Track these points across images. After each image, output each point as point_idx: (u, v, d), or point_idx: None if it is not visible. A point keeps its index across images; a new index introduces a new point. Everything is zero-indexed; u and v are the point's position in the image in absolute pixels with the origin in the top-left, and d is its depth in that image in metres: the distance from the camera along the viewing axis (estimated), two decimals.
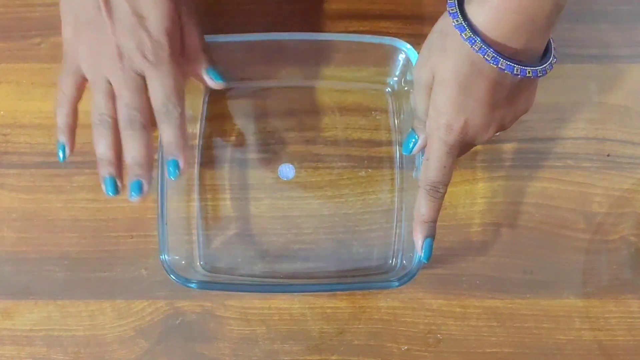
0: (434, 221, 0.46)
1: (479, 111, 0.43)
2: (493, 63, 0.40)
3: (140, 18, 0.43)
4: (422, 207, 0.46)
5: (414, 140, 0.48)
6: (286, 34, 0.52)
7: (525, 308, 0.53)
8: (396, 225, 0.54)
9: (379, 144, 0.55)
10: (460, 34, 0.40)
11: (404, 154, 0.50)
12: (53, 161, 0.54)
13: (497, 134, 0.46)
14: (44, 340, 0.53)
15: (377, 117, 0.55)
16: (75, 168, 0.54)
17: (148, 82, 0.44)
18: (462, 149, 0.46)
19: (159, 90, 0.44)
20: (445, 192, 0.45)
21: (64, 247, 0.53)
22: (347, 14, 0.57)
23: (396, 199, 0.54)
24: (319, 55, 0.54)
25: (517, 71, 0.41)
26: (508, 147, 0.55)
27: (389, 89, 0.55)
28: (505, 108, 0.44)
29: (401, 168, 0.54)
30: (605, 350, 0.53)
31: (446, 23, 0.42)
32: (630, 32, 0.57)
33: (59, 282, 0.53)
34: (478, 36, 0.40)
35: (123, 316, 0.53)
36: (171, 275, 0.48)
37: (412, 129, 0.49)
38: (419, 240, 0.46)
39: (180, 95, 0.45)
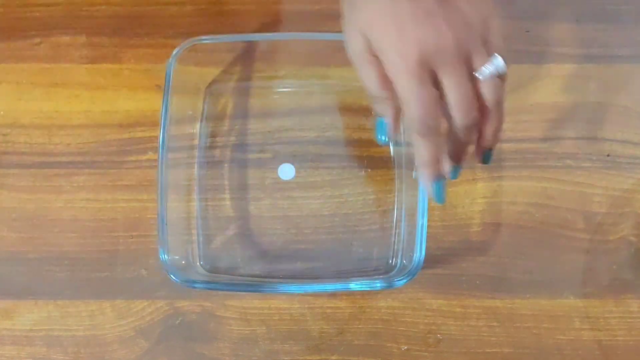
0: (437, 161, 0.42)
1: (422, 17, 0.39)
2: None
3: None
4: (420, 150, 0.41)
5: (383, 126, 0.44)
6: (286, 34, 0.52)
7: (525, 308, 0.53)
8: (396, 225, 0.54)
9: (378, 144, 0.55)
10: None
11: (381, 142, 0.47)
12: (53, 161, 0.54)
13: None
14: (44, 340, 0.53)
15: (377, 117, 0.55)
16: (75, 168, 0.54)
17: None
18: (441, 66, 0.39)
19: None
20: (436, 126, 0.40)
21: (64, 247, 0.53)
22: None
23: (396, 199, 0.54)
24: (318, 55, 0.54)
25: None
26: (508, 147, 0.55)
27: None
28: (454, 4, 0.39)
29: (401, 168, 0.54)
30: (605, 350, 0.53)
31: None
32: (630, 32, 0.57)
33: (59, 282, 0.53)
34: None
35: (123, 316, 0.53)
36: (171, 275, 0.48)
37: (377, 118, 0.45)
38: (428, 186, 0.43)
39: None
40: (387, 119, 0.43)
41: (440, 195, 0.43)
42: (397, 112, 0.43)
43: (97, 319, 0.53)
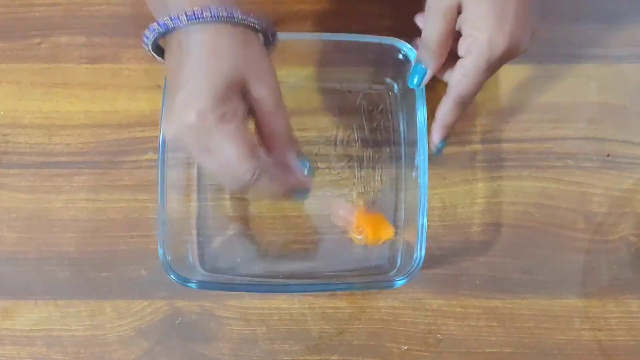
0: (452, 126, 0.49)
1: (520, 18, 0.42)
2: None
3: None
4: (448, 115, 0.48)
5: (421, 72, 0.48)
6: (285, 34, 0.51)
7: (525, 308, 0.53)
8: (396, 225, 0.54)
9: (379, 144, 0.55)
10: None
11: (412, 87, 0.49)
12: (53, 161, 0.54)
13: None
14: (44, 340, 0.53)
15: (377, 117, 0.55)
16: (75, 168, 0.54)
17: None
18: (502, 62, 0.45)
19: None
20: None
21: (64, 247, 0.53)
22: (347, 13, 0.57)
23: (395, 199, 0.54)
24: (318, 56, 0.54)
25: None
26: (508, 147, 0.55)
27: (389, 89, 0.55)
28: (532, 7, 0.44)
29: (401, 168, 0.54)
30: (604, 350, 0.53)
31: None
32: (630, 32, 0.57)
33: (59, 282, 0.53)
34: None
35: (123, 316, 0.53)
36: (171, 275, 0.48)
37: (417, 61, 0.48)
38: (436, 140, 0.49)
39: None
40: (429, 70, 0.48)
41: (441, 148, 0.50)
42: (439, 68, 0.47)
43: (97, 319, 0.53)
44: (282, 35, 0.52)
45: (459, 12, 0.44)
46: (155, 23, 0.40)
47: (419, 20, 0.50)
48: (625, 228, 0.54)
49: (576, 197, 0.54)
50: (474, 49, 0.43)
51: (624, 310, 0.53)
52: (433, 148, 0.50)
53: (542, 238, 0.54)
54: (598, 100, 0.56)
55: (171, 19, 0.39)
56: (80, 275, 0.53)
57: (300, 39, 0.52)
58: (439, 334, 0.53)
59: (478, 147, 0.55)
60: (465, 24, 0.44)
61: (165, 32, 0.40)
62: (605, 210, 0.54)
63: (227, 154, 0.39)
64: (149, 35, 0.40)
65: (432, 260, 0.53)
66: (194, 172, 0.54)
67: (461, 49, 0.45)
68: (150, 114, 0.55)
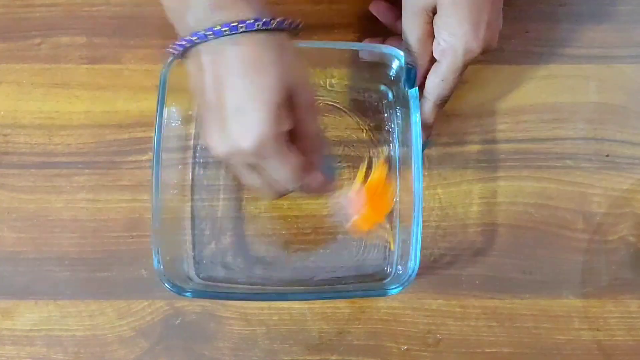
0: (433, 126, 0.51)
1: (492, 22, 0.44)
2: None
3: None
4: (430, 117, 0.49)
5: (413, 73, 0.48)
6: None
7: (525, 308, 0.53)
8: (395, 226, 0.54)
9: (378, 144, 0.55)
10: None
11: (407, 89, 0.49)
12: (53, 161, 0.55)
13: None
14: (44, 340, 0.53)
15: (376, 118, 0.55)
16: (75, 168, 0.54)
17: None
18: (473, 63, 0.46)
19: None
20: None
21: (64, 247, 0.54)
22: (347, 13, 0.57)
23: (395, 200, 0.54)
24: (318, 56, 0.54)
25: None
26: (507, 147, 0.55)
27: (383, 95, 0.55)
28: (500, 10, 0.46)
29: (398, 169, 0.54)
30: (604, 350, 0.53)
31: None
32: (630, 32, 0.57)
33: (59, 282, 0.53)
34: None
35: (123, 316, 0.53)
36: (166, 285, 0.47)
37: (407, 64, 0.48)
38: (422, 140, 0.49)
39: None
40: (418, 70, 0.48)
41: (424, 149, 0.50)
42: (426, 66, 0.48)
43: (97, 319, 0.53)
44: None
45: (434, 13, 0.45)
46: (191, 35, 0.38)
47: (373, 8, 0.52)
48: (624, 228, 0.54)
49: (575, 198, 0.54)
50: (450, 54, 0.45)
51: (623, 310, 0.53)
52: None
53: (541, 238, 0.54)
54: (598, 101, 0.56)
55: (205, 31, 0.37)
56: (80, 275, 0.53)
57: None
58: (439, 333, 0.53)
59: (477, 147, 0.55)
60: (440, 28, 0.44)
61: (196, 44, 0.38)
62: (605, 210, 0.54)
63: (278, 176, 0.40)
64: (178, 49, 0.39)
65: (432, 260, 0.53)
66: (189, 173, 0.54)
67: (436, 51, 0.46)
68: (150, 114, 0.55)
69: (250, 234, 0.54)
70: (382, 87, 0.55)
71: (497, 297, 0.53)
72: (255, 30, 0.38)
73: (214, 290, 0.52)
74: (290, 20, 0.40)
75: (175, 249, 0.52)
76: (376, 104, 0.55)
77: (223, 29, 0.37)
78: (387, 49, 0.50)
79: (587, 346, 0.53)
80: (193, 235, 0.54)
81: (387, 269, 0.53)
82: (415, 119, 0.48)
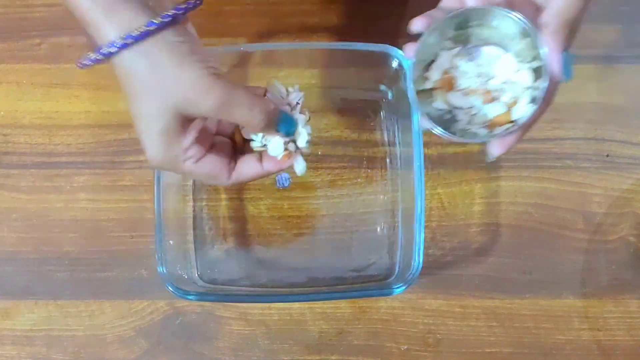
0: None
1: None
2: None
3: None
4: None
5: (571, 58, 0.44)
6: (282, 44, 0.52)
7: (525, 308, 0.53)
8: (394, 227, 0.54)
9: (379, 144, 0.55)
10: None
11: (567, 80, 0.43)
12: (53, 161, 0.55)
13: None
14: (44, 340, 0.53)
15: (376, 118, 0.55)
16: (75, 168, 0.54)
17: None
18: None
19: None
20: None
21: (64, 247, 0.54)
22: (347, 13, 0.57)
23: (395, 200, 0.54)
24: (318, 56, 0.54)
25: None
26: None
27: (386, 93, 0.55)
28: None
29: (399, 169, 0.54)
30: (604, 350, 0.53)
31: None
32: (630, 33, 0.57)
33: (59, 282, 0.53)
34: None
35: (123, 316, 0.53)
36: (169, 287, 0.48)
37: (566, 51, 0.44)
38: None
39: None
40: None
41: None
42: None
43: (97, 319, 0.53)
44: (280, 46, 0.52)
45: None
46: (96, 51, 0.37)
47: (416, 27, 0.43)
48: (624, 228, 0.54)
49: (575, 198, 0.54)
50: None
51: (623, 310, 0.53)
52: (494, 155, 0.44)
53: (541, 238, 0.54)
54: (598, 101, 0.56)
55: (107, 47, 0.36)
56: (80, 275, 0.53)
57: (297, 48, 0.53)
58: (439, 333, 0.53)
59: (477, 147, 0.55)
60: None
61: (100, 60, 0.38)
62: (605, 210, 0.54)
63: (203, 178, 0.40)
64: (87, 63, 0.38)
65: (432, 260, 0.53)
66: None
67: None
68: None
69: (251, 234, 0.54)
70: (382, 87, 0.55)
71: (497, 297, 0.53)
72: (136, 42, 0.35)
73: (217, 293, 0.52)
74: (173, 12, 0.36)
75: (177, 251, 0.52)
76: (376, 104, 0.55)
77: (109, 49, 0.36)
78: (387, 48, 0.50)
79: (587, 346, 0.53)
80: (195, 236, 0.54)
81: (389, 269, 0.53)
82: (416, 118, 0.48)
